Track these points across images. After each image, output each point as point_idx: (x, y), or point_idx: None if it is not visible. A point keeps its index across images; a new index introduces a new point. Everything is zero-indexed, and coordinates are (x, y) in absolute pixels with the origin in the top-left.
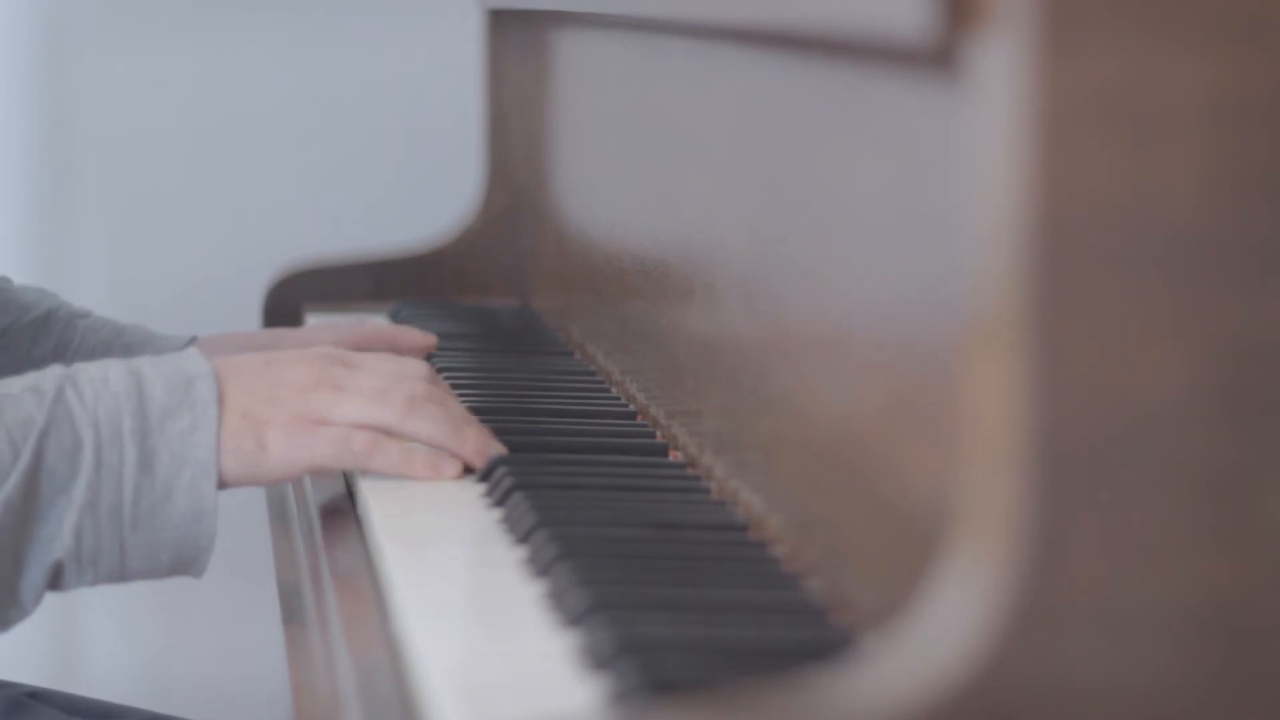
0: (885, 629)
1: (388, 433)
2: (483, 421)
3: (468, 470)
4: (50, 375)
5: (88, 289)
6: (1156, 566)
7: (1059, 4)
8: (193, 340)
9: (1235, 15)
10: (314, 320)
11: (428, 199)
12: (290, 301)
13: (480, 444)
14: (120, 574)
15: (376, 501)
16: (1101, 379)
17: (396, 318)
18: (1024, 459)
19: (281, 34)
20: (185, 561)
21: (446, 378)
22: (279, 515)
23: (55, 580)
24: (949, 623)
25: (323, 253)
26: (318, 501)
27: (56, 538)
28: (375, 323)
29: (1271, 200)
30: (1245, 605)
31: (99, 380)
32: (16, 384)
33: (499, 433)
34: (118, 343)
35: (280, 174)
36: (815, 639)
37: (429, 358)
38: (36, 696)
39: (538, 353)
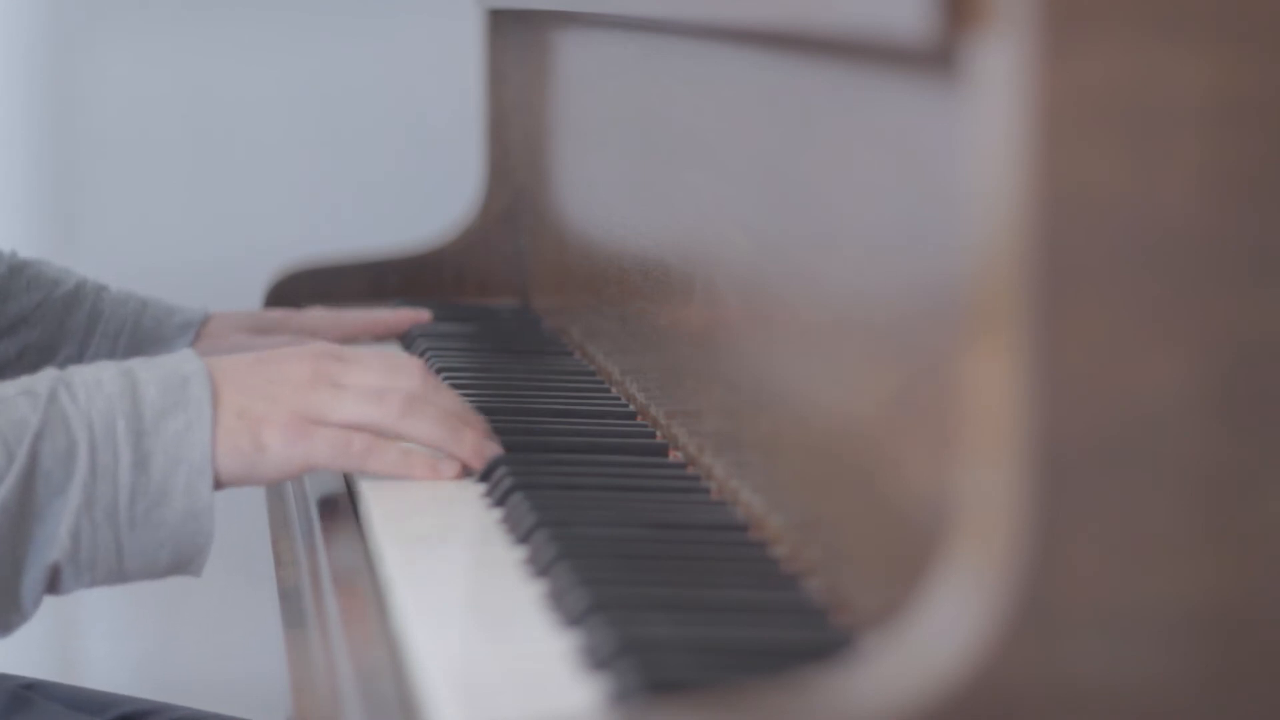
0: (885, 629)
1: (384, 433)
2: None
3: (467, 470)
4: (43, 378)
5: None
6: (1156, 566)
7: (1059, 4)
8: (208, 317)
9: (1235, 15)
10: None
11: (428, 199)
12: (290, 301)
13: (477, 445)
14: (118, 575)
15: (376, 501)
16: (1100, 379)
17: None
18: (1023, 459)
19: (282, 34)
20: (183, 561)
21: (446, 378)
22: (279, 515)
23: (53, 583)
24: (949, 623)
25: (323, 253)
26: (317, 502)
27: (54, 540)
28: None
29: (1270, 200)
30: (1245, 605)
31: (92, 382)
32: (9, 388)
33: (499, 433)
34: (145, 314)
35: (280, 174)
36: (815, 639)
37: (423, 352)
38: (33, 689)
39: (538, 353)
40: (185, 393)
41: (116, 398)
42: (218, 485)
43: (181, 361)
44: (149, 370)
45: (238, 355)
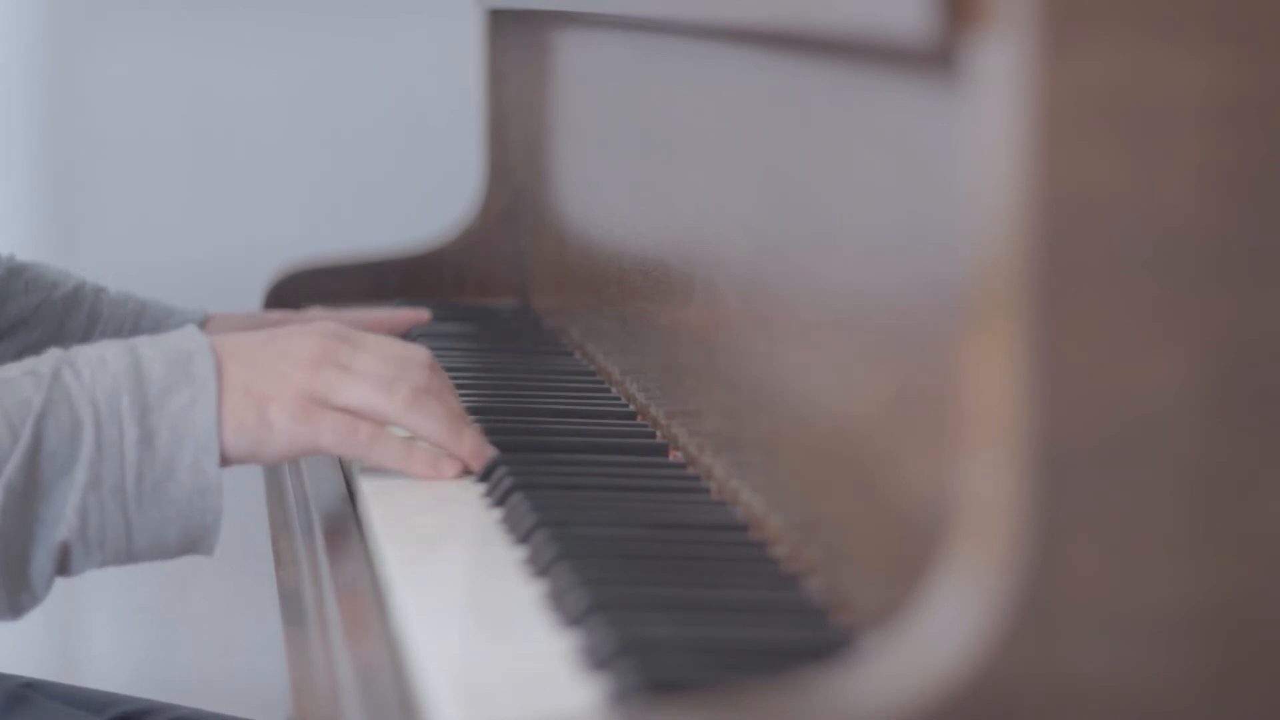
0: (885, 629)
1: (389, 423)
2: (483, 421)
3: (466, 470)
4: (47, 358)
5: None
6: (1156, 566)
7: (1059, 4)
8: (208, 318)
9: (1235, 15)
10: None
11: (428, 199)
12: (290, 301)
13: (477, 446)
14: (128, 554)
15: (376, 501)
16: (1100, 378)
17: None
18: (1023, 459)
19: (282, 34)
20: (193, 539)
21: None
22: (279, 515)
23: (63, 563)
24: (949, 623)
25: (323, 253)
26: (318, 501)
27: (61, 519)
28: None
29: (1270, 200)
30: (1245, 605)
31: (96, 360)
32: (14, 369)
33: (499, 433)
34: (144, 315)
35: (280, 174)
36: (815, 639)
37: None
38: (33, 687)
39: (538, 353)
40: (189, 369)
41: (121, 375)
42: (224, 462)
43: (185, 338)
44: (153, 347)
45: (246, 333)
